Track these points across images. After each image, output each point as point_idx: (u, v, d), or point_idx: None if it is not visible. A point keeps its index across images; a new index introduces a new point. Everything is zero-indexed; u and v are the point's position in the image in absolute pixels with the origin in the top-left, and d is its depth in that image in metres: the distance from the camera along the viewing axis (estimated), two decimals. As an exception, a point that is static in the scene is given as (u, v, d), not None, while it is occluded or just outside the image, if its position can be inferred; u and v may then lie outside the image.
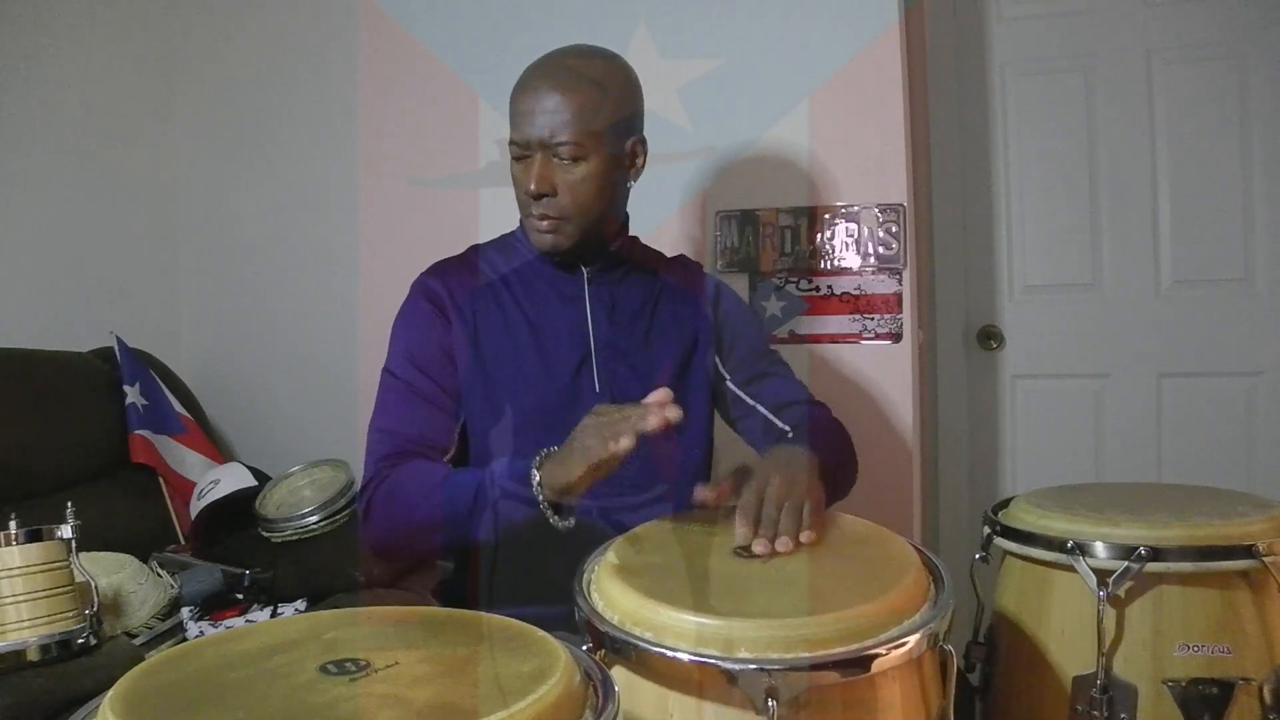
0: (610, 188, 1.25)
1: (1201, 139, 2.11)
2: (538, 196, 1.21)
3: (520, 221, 1.32)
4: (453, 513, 1.10)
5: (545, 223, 1.23)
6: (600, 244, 1.30)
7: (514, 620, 0.79)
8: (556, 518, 1.06)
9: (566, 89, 1.19)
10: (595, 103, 1.20)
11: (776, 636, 0.77)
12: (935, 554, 0.98)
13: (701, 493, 1.07)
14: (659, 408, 0.99)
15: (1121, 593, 1.07)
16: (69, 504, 1.27)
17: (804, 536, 0.97)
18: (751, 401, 1.35)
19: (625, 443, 0.97)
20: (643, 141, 1.29)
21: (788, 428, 1.32)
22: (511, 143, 1.22)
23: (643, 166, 1.31)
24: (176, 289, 2.38)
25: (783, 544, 0.96)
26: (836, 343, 1.92)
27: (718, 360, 1.36)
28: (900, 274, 1.88)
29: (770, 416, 1.34)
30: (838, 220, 1.90)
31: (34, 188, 2.03)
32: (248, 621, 1.50)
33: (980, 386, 2.29)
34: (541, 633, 0.76)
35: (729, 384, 1.36)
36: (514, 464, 1.09)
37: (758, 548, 0.96)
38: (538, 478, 1.05)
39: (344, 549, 1.69)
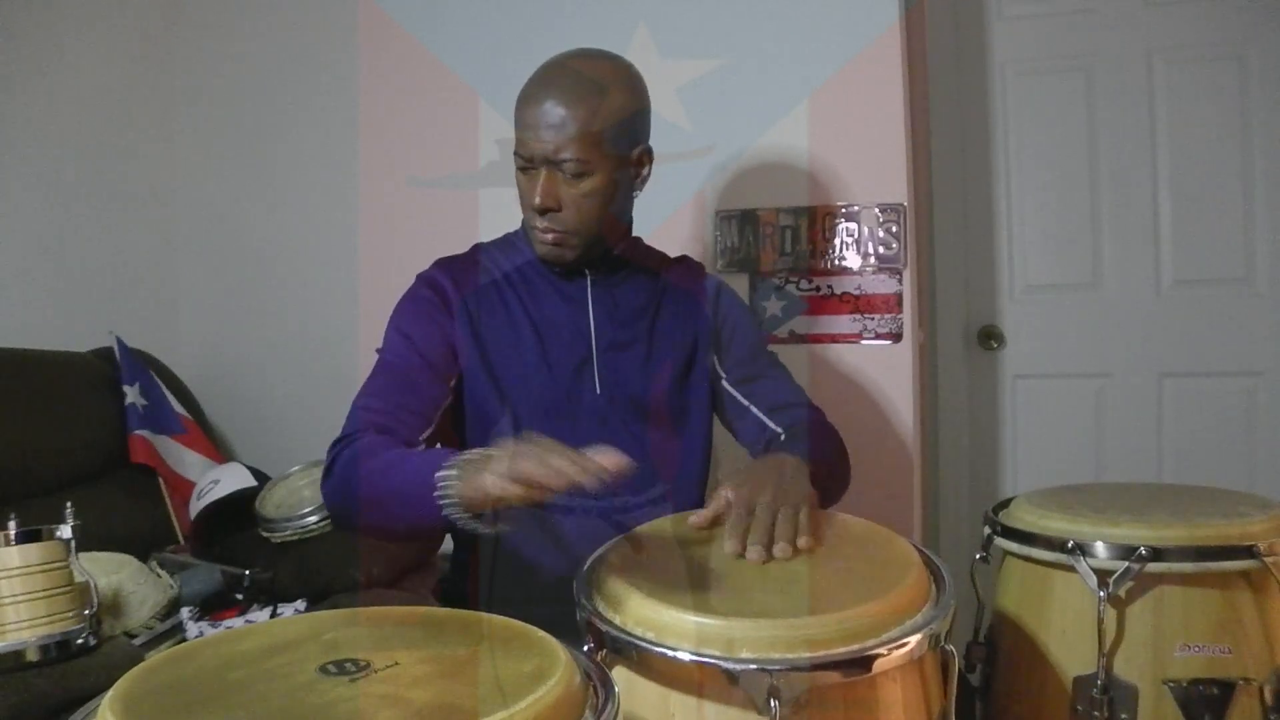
0: (616, 200, 1.25)
1: (1201, 139, 2.11)
2: (543, 211, 1.20)
3: (523, 225, 1.33)
4: (389, 493, 1.04)
5: (550, 235, 1.23)
6: (604, 250, 1.30)
7: (514, 620, 0.79)
8: (474, 523, 0.96)
9: (572, 103, 1.17)
10: (602, 118, 1.18)
11: (778, 636, 0.77)
12: (936, 554, 0.98)
13: (696, 518, 1.05)
14: (602, 468, 0.86)
15: (1122, 593, 1.07)
16: (68, 504, 1.27)
17: (801, 542, 0.95)
18: (745, 402, 1.35)
19: (515, 491, 0.87)
20: (649, 151, 1.29)
21: (780, 430, 1.32)
22: (516, 154, 1.22)
23: (649, 175, 1.30)
24: (176, 289, 2.37)
25: (781, 550, 0.94)
26: (836, 343, 1.92)
27: (714, 359, 1.36)
28: (900, 274, 1.88)
29: (763, 418, 1.33)
30: (838, 220, 1.90)
31: (34, 188, 2.03)
32: (247, 622, 1.49)
33: (980, 386, 2.29)
34: (541, 633, 0.76)
35: (724, 383, 1.36)
36: (432, 459, 1.00)
37: (752, 555, 0.93)
38: (445, 485, 0.95)
39: (344, 549, 1.69)
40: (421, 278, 1.32)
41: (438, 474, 0.96)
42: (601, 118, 1.18)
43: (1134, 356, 2.17)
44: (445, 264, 1.33)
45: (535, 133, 1.18)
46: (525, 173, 1.22)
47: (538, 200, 1.19)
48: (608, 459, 0.86)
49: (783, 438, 1.31)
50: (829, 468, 1.24)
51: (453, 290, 1.28)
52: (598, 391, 1.28)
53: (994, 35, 2.23)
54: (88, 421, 1.88)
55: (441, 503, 0.95)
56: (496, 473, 0.90)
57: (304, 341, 2.28)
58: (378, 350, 1.28)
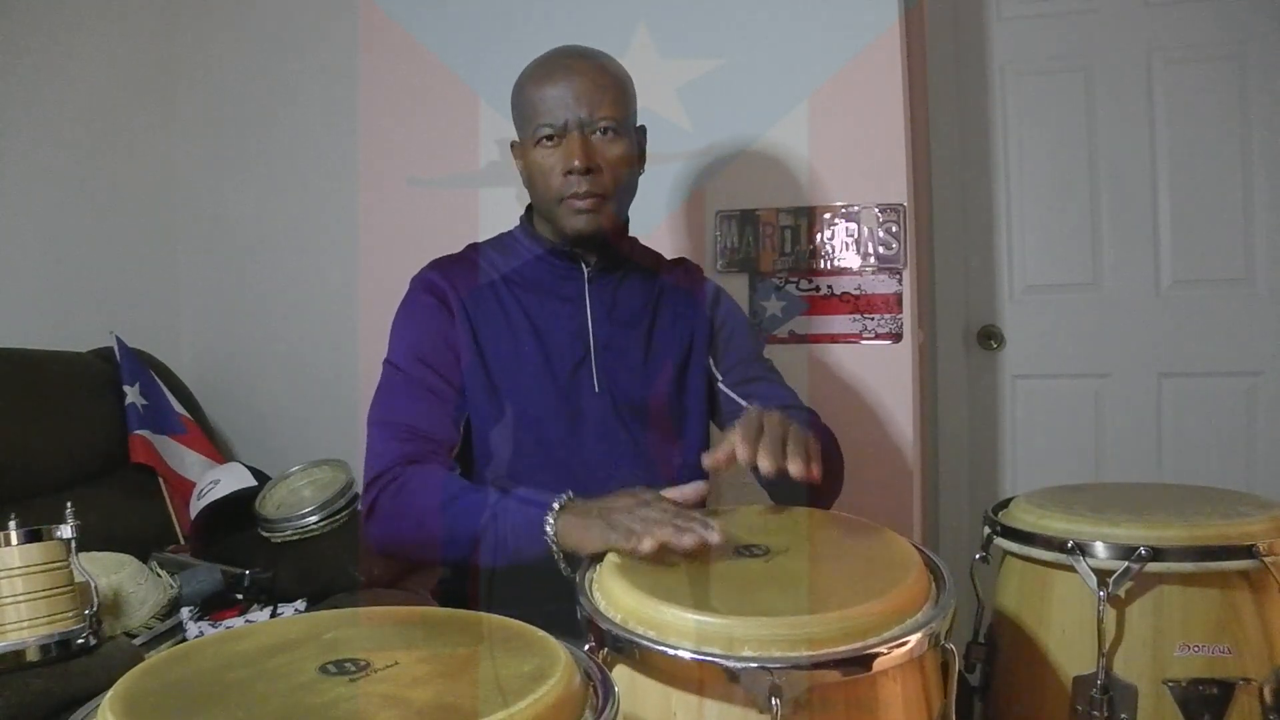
0: (636, 171, 1.29)
1: (1201, 139, 2.11)
2: (585, 171, 1.21)
3: (522, 222, 1.32)
4: (461, 535, 1.09)
5: (588, 200, 1.22)
6: (614, 234, 1.31)
7: (514, 620, 0.79)
8: (566, 566, 1.02)
9: (596, 71, 1.23)
10: (619, 85, 1.25)
11: (779, 635, 0.77)
12: (935, 554, 0.98)
13: (709, 458, 1.04)
14: (703, 526, 0.92)
15: (1122, 593, 1.06)
16: (69, 504, 1.27)
17: (815, 469, 0.97)
18: (743, 403, 1.34)
19: (648, 546, 0.92)
20: (645, 131, 1.33)
21: None
22: (542, 126, 1.22)
23: (645, 158, 1.34)
24: (176, 289, 2.37)
25: (794, 467, 0.95)
26: (836, 343, 1.92)
27: (711, 361, 1.36)
28: (900, 274, 1.88)
29: None
30: (838, 220, 1.90)
31: (34, 188, 2.03)
32: (247, 621, 1.49)
33: (980, 386, 2.29)
34: (541, 633, 0.76)
35: (721, 385, 1.36)
36: (529, 504, 1.06)
37: (764, 464, 0.93)
38: (552, 529, 1.02)
39: (344, 549, 1.69)
40: (418, 281, 1.31)
41: (547, 523, 1.01)
42: (620, 85, 1.25)
43: (1133, 356, 2.17)
44: (441, 264, 1.33)
45: (565, 99, 1.21)
46: (553, 144, 1.22)
47: (578, 162, 1.20)
48: (710, 530, 0.92)
49: None
50: (825, 468, 1.24)
51: (451, 291, 1.28)
52: (596, 391, 1.28)
53: (994, 35, 2.23)
54: (88, 421, 1.88)
55: (553, 550, 1.01)
56: (627, 534, 0.94)
57: (304, 341, 2.28)
58: (387, 362, 1.27)
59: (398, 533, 1.17)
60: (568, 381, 1.27)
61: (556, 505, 1.03)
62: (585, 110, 1.21)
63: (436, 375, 1.24)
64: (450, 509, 1.11)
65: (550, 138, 1.22)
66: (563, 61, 1.25)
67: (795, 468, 0.94)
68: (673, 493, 1.05)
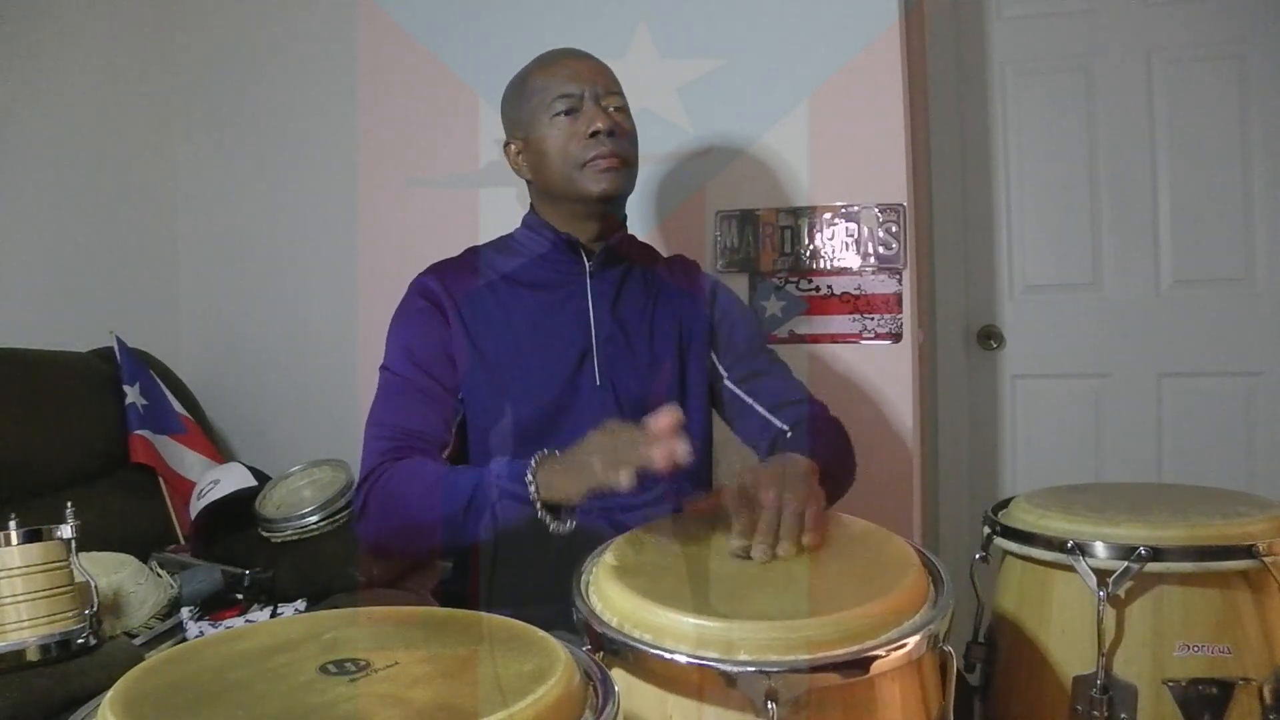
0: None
1: (1201, 139, 2.11)
2: (610, 133, 1.24)
3: (525, 222, 1.33)
4: (450, 511, 1.09)
5: (613, 160, 1.25)
6: (607, 228, 1.31)
7: (514, 620, 0.79)
8: (555, 523, 1.04)
9: (597, 59, 1.32)
10: (616, 77, 1.32)
11: (776, 638, 0.77)
12: (935, 554, 0.97)
13: (694, 504, 1.07)
14: (668, 441, 0.94)
15: (1121, 593, 1.06)
16: (69, 504, 1.27)
17: (806, 539, 0.95)
18: (748, 400, 1.35)
19: (626, 476, 0.94)
20: None
21: (786, 427, 1.32)
22: (559, 100, 1.26)
23: None
24: (176, 289, 2.37)
25: (783, 548, 0.94)
26: (836, 343, 1.92)
27: (714, 358, 1.36)
28: (900, 274, 1.88)
29: (768, 415, 1.33)
30: (838, 220, 1.90)
31: (34, 188, 2.03)
32: (247, 621, 1.49)
33: (980, 386, 2.29)
34: (541, 633, 0.76)
35: (726, 382, 1.36)
36: (512, 464, 1.07)
37: (756, 553, 0.93)
38: (533, 481, 1.03)
39: (344, 549, 1.69)
40: (415, 286, 1.32)
41: (528, 475, 1.03)
42: (616, 77, 1.33)
43: (1133, 356, 2.17)
44: (438, 269, 1.33)
45: (581, 73, 1.27)
46: (570, 115, 1.26)
47: (600, 124, 1.24)
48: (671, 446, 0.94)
49: (789, 435, 1.30)
50: (836, 464, 1.24)
51: (446, 296, 1.28)
52: (598, 384, 1.28)
53: (994, 35, 2.23)
54: (88, 421, 1.88)
55: (535, 502, 1.02)
56: (602, 464, 0.96)
57: (304, 342, 2.28)
58: (382, 368, 1.28)
59: (389, 525, 1.17)
60: (570, 374, 1.27)
61: (535, 460, 1.05)
62: (600, 84, 1.28)
63: (428, 377, 1.24)
64: (436, 488, 1.12)
65: (569, 111, 1.26)
66: (563, 51, 1.31)
67: (783, 550, 0.94)
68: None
